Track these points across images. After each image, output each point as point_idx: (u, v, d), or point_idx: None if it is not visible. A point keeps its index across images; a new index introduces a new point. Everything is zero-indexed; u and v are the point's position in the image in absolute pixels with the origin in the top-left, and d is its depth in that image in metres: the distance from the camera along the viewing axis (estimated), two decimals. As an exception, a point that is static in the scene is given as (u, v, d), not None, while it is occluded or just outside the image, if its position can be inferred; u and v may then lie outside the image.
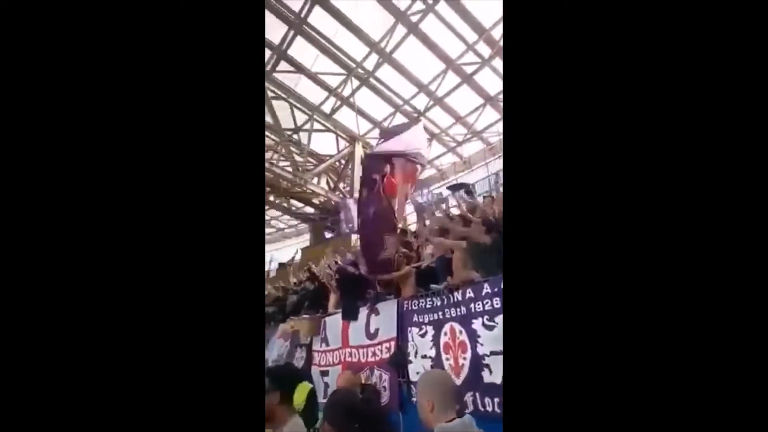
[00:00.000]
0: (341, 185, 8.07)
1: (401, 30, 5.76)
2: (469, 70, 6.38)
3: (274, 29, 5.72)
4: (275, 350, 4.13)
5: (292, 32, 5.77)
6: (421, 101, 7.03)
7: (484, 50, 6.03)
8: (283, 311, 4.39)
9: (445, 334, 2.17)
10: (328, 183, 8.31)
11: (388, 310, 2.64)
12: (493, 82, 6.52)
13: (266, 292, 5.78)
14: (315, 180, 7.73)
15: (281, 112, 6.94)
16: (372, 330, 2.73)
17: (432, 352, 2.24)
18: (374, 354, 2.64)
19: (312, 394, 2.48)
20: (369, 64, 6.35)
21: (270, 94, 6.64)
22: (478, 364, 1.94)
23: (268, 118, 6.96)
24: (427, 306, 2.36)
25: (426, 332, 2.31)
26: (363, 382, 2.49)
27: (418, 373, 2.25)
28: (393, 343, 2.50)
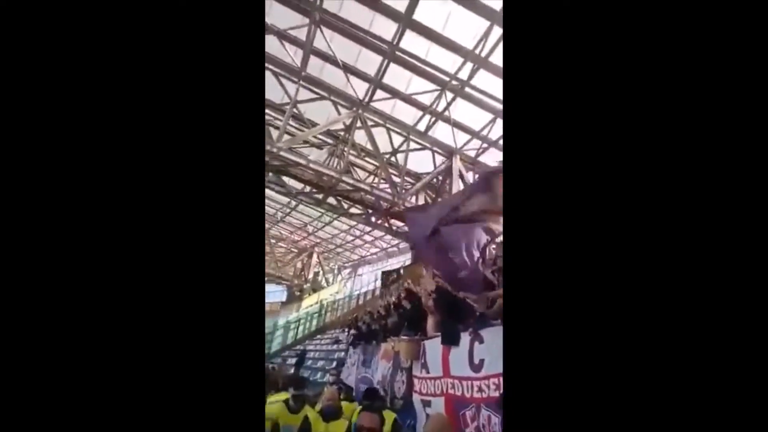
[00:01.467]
0: (439, 201, 7.87)
1: (497, 31, 5.38)
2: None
3: (369, 61, 6.17)
4: (379, 371, 4.08)
5: (386, 61, 6.10)
6: (525, 102, 6.33)
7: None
8: (385, 330, 4.35)
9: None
10: (426, 200, 8.22)
11: (494, 338, 2.22)
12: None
13: (369, 311, 5.91)
14: (414, 199, 7.75)
15: (379, 137, 7.31)
16: (476, 360, 2.34)
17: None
18: (480, 389, 2.24)
19: (395, 424, 2.27)
20: (463, 74, 6.12)
21: (369, 123, 7.12)
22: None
23: (368, 145, 7.46)
24: (546, 337, 1.86)
25: (546, 371, 1.81)
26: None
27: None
28: (502, 381, 2.06)
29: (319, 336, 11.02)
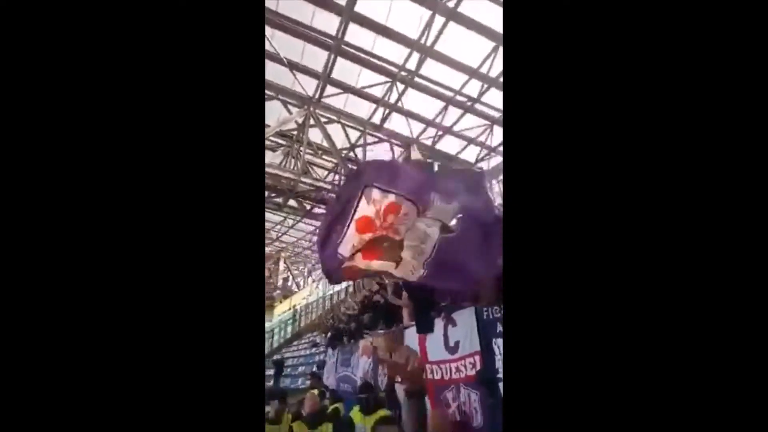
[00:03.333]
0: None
1: (439, 20, 5.46)
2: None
3: (315, 57, 6.00)
4: (360, 368, 4.07)
5: (332, 56, 5.96)
6: (473, 87, 6.54)
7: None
8: (361, 326, 4.35)
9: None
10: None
11: (467, 319, 2.31)
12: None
13: (345, 310, 5.87)
14: (377, 192, 7.76)
15: (335, 134, 7.18)
16: (452, 343, 2.43)
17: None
18: (458, 370, 2.32)
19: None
20: (412, 64, 6.17)
21: (323, 119, 6.95)
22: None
23: (324, 143, 7.29)
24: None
25: (515, 344, 1.92)
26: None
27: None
28: (478, 358, 2.16)
29: (296, 342, 10.77)
